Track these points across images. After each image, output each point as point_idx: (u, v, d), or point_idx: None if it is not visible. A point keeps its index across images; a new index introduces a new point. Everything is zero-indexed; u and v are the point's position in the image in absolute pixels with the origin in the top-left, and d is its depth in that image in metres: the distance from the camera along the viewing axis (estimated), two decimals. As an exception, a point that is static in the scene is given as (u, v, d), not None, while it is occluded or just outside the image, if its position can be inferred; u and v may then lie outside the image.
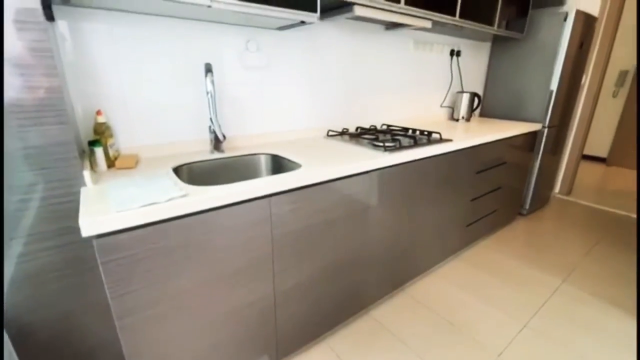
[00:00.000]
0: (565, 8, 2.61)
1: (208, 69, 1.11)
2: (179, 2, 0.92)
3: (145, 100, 1.17)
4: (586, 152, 4.25)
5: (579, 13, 2.16)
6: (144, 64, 1.14)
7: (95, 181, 0.92)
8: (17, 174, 0.82)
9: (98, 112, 1.04)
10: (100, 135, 1.03)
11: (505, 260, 2.00)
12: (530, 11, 2.24)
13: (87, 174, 0.87)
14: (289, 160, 1.25)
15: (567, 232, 2.38)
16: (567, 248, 2.16)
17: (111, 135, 1.07)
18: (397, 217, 1.44)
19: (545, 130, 2.37)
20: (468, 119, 2.36)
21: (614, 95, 4.16)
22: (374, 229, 1.35)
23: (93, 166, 1.02)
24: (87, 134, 1.08)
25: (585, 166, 4.12)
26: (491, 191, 2.04)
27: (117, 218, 0.72)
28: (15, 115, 0.78)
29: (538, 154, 2.43)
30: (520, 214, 2.65)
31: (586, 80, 2.75)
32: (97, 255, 0.73)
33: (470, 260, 1.99)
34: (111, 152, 1.07)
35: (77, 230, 0.73)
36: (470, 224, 1.97)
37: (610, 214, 2.72)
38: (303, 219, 1.08)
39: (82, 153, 1.04)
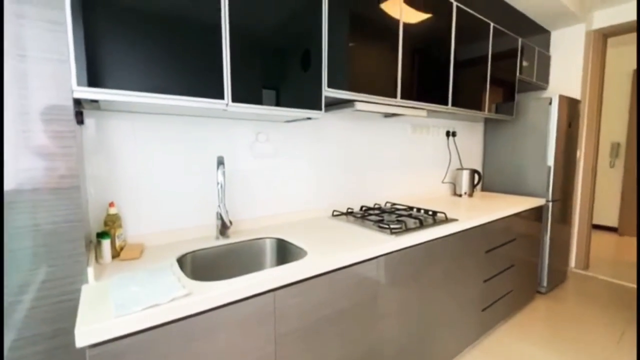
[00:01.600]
0: (547, 93, 2.85)
1: (220, 162, 1.17)
2: (200, 107, 1.02)
3: (156, 190, 1.22)
4: (597, 222, 4.19)
5: (562, 98, 2.35)
6: (159, 156, 1.22)
7: (98, 276, 0.91)
8: (18, 273, 0.81)
9: (111, 204, 1.08)
10: (109, 227, 1.05)
11: (528, 349, 1.82)
12: (516, 96, 2.44)
13: (90, 270, 0.86)
14: (295, 246, 1.24)
15: (592, 314, 2.20)
16: (594, 334, 1.97)
17: (120, 226, 1.09)
18: (406, 305, 1.36)
19: (550, 204, 2.38)
20: (471, 195, 2.39)
21: (611, 165, 4.27)
22: (382, 319, 1.27)
23: (98, 258, 1.02)
24: (96, 222, 1.10)
25: (598, 237, 4.02)
26: (504, 270, 1.96)
27: (115, 324, 0.69)
28: (30, 203, 0.81)
29: (547, 228, 2.39)
30: (539, 292, 2.49)
31: (581, 154, 2.86)
32: (88, 367, 0.68)
33: (490, 352, 1.80)
34: (118, 242, 1.07)
35: (73, 332, 0.69)
36: (486, 308, 1.84)
37: (632, 290, 2.55)
38: (308, 313, 1.03)
39: (88, 244, 1.05)
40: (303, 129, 1.62)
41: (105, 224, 1.06)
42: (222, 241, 1.25)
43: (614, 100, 4.16)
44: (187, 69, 0.97)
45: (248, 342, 0.90)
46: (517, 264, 2.09)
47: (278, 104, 1.17)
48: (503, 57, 2.23)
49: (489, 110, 2.18)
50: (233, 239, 1.29)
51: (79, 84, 0.82)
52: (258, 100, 1.12)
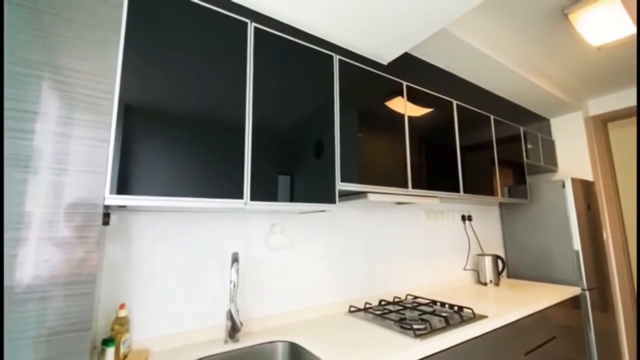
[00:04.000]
0: (558, 175, 2.88)
1: (235, 259, 1.17)
2: (220, 207, 1.06)
3: (167, 289, 1.19)
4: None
5: (575, 180, 2.35)
6: (174, 252, 1.22)
7: (96, 395, 0.83)
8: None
9: (121, 306, 1.05)
10: (116, 332, 1.00)
11: None
12: (527, 178, 2.47)
13: (89, 389, 0.79)
14: (310, 353, 1.13)
15: None
16: None
17: (127, 330, 1.04)
18: None
19: (587, 293, 2.17)
20: (497, 283, 2.23)
21: (644, 245, 4.00)
22: None
23: (99, 369, 0.95)
24: (104, 324, 1.05)
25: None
26: (550, 377, 1.69)
27: None
28: (41, 310, 0.79)
29: (589, 320, 2.14)
30: (598, 404, 2.10)
31: (607, 236, 2.72)
32: None
33: None
34: (122, 349, 1.01)
35: None
36: None
37: None
38: None
39: (92, 350, 0.99)
40: (317, 221, 1.63)
41: (112, 328, 1.01)
42: (231, 346, 1.16)
43: (627, 182, 4.13)
44: (210, 172, 1.05)
45: None
46: (564, 368, 1.82)
47: (292, 199, 1.21)
48: (508, 143, 2.33)
49: (502, 195, 2.19)
50: (242, 342, 1.19)
51: (111, 192, 0.89)
52: (273, 197, 1.17)
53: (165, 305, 1.18)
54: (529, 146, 2.58)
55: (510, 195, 2.28)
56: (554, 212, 2.38)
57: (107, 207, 1.02)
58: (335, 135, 1.38)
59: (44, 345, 0.79)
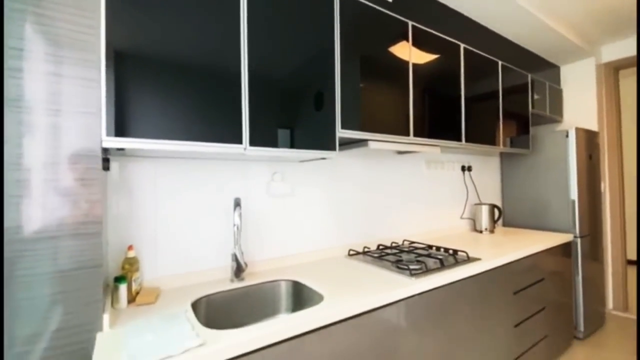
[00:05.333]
0: (562, 126, 2.83)
1: (237, 204, 1.19)
2: (219, 152, 1.06)
3: (173, 232, 1.23)
4: (633, 257, 3.91)
5: (579, 130, 2.32)
6: (177, 198, 1.24)
7: (113, 323, 0.90)
8: (31, 321, 0.81)
9: (129, 248, 1.09)
10: (126, 271, 1.05)
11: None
12: (531, 129, 2.43)
13: (106, 317, 0.86)
14: (311, 289, 1.20)
15: (642, 364, 1.98)
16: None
17: (137, 269, 1.09)
18: (430, 353, 1.26)
19: (579, 240, 2.25)
20: (492, 231, 2.31)
21: (640, 196, 4.06)
22: (407, 370, 1.18)
23: (114, 303, 1.01)
24: (114, 265, 1.11)
25: (634, 273, 3.72)
26: (536, 313, 1.82)
27: (127, 379, 0.66)
28: (52, 249, 0.82)
29: (577, 266, 2.25)
30: (576, 338, 2.28)
31: (605, 186, 2.75)
32: None
33: (530, 406, 1.62)
34: (134, 286, 1.07)
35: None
36: (519, 357, 1.69)
37: (687, 337, 2.30)
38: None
39: (105, 288, 1.05)
40: (318, 168, 1.63)
41: (123, 267, 1.06)
42: (237, 284, 1.23)
43: (632, 132, 4.07)
44: (207, 116, 1.02)
45: (263, 397, 0.85)
46: (550, 307, 1.95)
47: (293, 145, 1.20)
48: (514, 92, 2.26)
49: (504, 145, 2.17)
50: (248, 281, 1.26)
51: (108, 134, 0.87)
52: (274, 143, 1.15)
53: (172, 248, 1.23)
54: (536, 96, 2.50)
55: (512, 145, 2.25)
56: (555, 162, 2.38)
57: (106, 151, 1.02)
58: (336, 80, 1.32)
59: (58, 280, 0.83)
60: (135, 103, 0.92)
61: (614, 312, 2.73)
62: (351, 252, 1.68)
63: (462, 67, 1.86)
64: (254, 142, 1.10)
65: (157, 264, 1.20)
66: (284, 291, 1.31)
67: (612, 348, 2.17)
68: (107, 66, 0.88)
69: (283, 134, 1.18)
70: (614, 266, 2.74)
